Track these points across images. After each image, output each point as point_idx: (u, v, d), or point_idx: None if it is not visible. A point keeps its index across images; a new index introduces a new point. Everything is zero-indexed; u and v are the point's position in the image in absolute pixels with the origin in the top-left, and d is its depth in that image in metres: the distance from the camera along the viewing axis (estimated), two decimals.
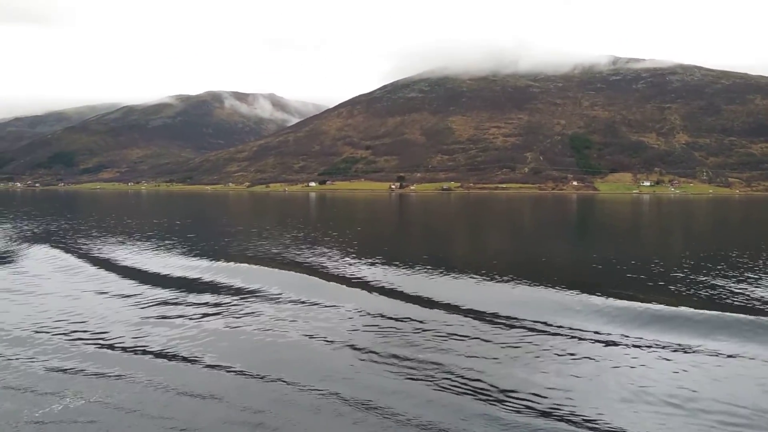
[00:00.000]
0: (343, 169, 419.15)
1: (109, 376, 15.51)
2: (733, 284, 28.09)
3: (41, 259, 37.87)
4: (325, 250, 42.12)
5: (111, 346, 18.32)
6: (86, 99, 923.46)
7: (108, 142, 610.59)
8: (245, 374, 15.83)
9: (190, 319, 21.87)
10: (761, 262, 35.50)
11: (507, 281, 28.92)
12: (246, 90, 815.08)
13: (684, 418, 13.04)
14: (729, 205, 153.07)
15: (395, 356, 17.28)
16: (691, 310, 22.29)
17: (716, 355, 17.52)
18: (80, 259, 37.41)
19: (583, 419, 13.02)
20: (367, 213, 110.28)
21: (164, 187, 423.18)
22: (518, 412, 13.35)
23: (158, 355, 17.56)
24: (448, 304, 24.04)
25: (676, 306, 23.09)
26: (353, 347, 18.22)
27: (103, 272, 32.51)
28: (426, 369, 16.19)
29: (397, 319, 21.51)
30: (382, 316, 22.12)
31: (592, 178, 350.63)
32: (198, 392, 14.40)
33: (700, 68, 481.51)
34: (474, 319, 21.62)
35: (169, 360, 17.12)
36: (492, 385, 14.99)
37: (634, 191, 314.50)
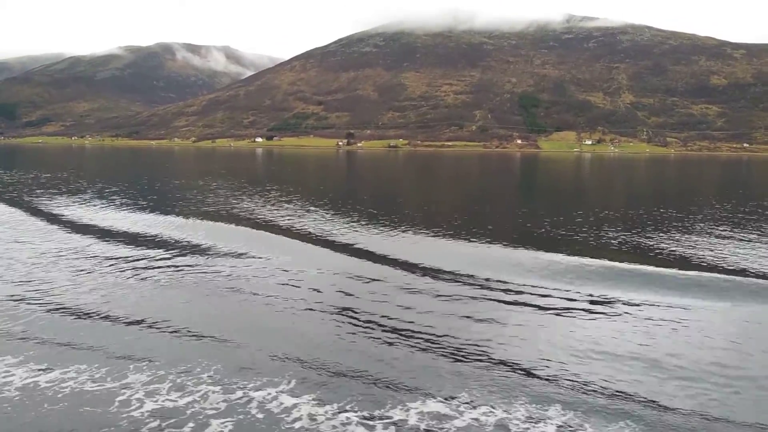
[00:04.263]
0: (293, 124, 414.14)
1: (52, 342, 14.75)
2: (665, 243, 29.15)
3: None
4: (277, 206, 42.07)
5: (52, 308, 17.39)
6: (29, 49, 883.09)
7: (52, 94, 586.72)
8: (202, 336, 15.32)
9: (143, 278, 21.20)
10: (692, 223, 36.56)
11: (459, 239, 29.56)
12: (199, 42, 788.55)
13: (621, 367, 13.70)
14: (665, 165, 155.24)
15: (355, 315, 17.20)
16: (630, 265, 23.32)
17: (656, 305, 18.31)
18: (27, 214, 37.18)
19: (538, 370, 13.42)
20: (316, 170, 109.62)
21: (108, 142, 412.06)
22: (475, 365, 13.57)
23: (108, 318, 16.68)
24: (405, 261, 24.16)
25: (618, 262, 23.98)
26: (313, 306, 18.07)
27: (48, 227, 32.16)
28: (384, 326, 16.22)
29: (355, 277, 21.61)
30: (341, 273, 22.12)
31: (537, 137, 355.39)
32: (154, 356, 13.85)
33: (650, 28, 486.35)
34: (427, 276, 21.86)
35: (123, 324, 16.23)
36: (444, 340, 15.20)
37: (575, 150, 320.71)
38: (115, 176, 79.21)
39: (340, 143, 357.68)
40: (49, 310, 17.42)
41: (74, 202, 45.29)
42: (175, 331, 15.93)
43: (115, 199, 46.94)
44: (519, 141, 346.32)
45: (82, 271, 22.60)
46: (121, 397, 11.90)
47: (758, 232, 32.54)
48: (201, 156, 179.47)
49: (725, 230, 33.23)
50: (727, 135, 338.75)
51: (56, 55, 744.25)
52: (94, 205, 43.14)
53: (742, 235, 31.66)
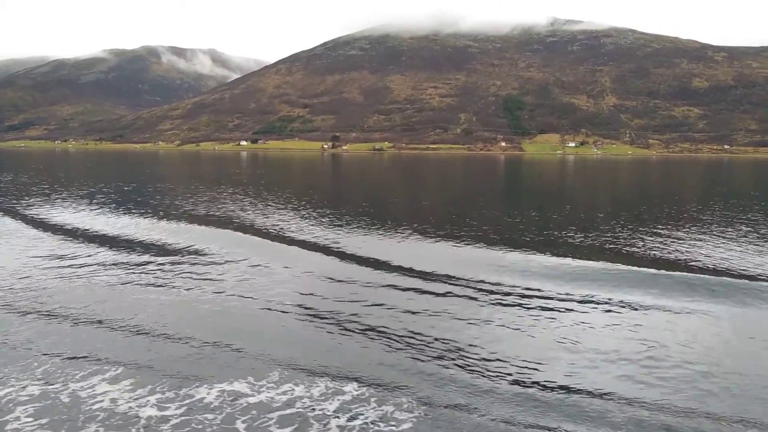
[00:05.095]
0: (278, 127, 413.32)
1: (36, 348, 13.99)
2: (646, 243, 28.60)
3: None
4: (265, 210, 41.15)
5: (39, 313, 16.60)
6: (12, 52, 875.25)
7: (36, 97, 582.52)
8: (186, 340, 14.64)
9: (132, 283, 20.33)
10: (676, 223, 36.08)
11: (445, 241, 29.03)
12: (184, 45, 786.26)
13: (612, 368, 13.16)
14: (647, 167, 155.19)
15: (341, 318, 16.62)
16: (610, 265, 23.00)
17: (639, 308, 17.70)
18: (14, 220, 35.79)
19: (526, 373, 12.94)
20: (301, 173, 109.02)
21: (92, 146, 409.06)
22: (463, 369, 13.12)
23: (98, 322, 15.87)
24: (392, 264, 23.57)
25: (601, 262, 23.61)
26: (299, 310, 17.42)
27: (39, 234, 30.78)
28: (374, 329, 15.71)
29: (342, 280, 21.11)
30: (328, 277, 21.51)
31: (521, 139, 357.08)
32: (138, 361, 13.17)
33: (633, 31, 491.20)
34: (416, 278, 21.37)
35: (112, 329, 15.40)
36: (434, 342, 14.73)
37: (559, 152, 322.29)
38: (99, 180, 77.74)
39: (326, 146, 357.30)
40: None
41: (38, 201, 44.72)
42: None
43: (88, 202, 45.95)
44: (503, 144, 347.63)
45: None
46: None
47: (737, 232, 32.19)
48: (185, 160, 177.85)
49: (706, 230, 32.83)
50: (708, 137, 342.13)
51: (40, 58, 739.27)
52: (50, 204, 42.58)
53: (723, 235, 31.26)
